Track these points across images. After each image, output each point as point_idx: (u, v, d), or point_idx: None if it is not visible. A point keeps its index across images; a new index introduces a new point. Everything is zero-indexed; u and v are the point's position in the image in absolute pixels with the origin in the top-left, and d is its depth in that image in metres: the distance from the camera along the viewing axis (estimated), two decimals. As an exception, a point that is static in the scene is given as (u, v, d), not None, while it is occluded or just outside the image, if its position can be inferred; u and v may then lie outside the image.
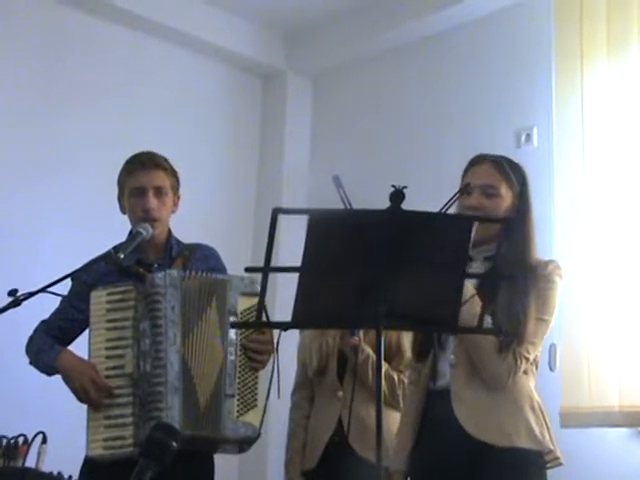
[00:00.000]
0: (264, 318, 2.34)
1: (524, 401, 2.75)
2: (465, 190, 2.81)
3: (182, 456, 2.25)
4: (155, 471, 1.99)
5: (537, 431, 2.72)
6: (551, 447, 2.74)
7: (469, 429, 2.70)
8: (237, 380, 2.97)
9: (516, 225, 2.82)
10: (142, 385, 2.94)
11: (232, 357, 2.98)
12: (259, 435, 2.98)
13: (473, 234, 2.68)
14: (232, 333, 3.00)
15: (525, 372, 2.78)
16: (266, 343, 3.05)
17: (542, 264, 2.83)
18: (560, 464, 2.77)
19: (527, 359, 2.74)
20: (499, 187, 2.86)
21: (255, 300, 3.01)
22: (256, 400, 2.99)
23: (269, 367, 3.04)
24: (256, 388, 3.00)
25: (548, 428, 2.77)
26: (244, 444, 3.01)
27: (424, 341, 2.88)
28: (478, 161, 2.93)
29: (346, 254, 2.27)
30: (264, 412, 2.97)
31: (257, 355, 3.03)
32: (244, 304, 3.04)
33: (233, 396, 2.95)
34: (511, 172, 2.89)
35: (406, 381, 3.45)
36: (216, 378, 2.96)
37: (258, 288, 3.01)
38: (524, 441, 2.69)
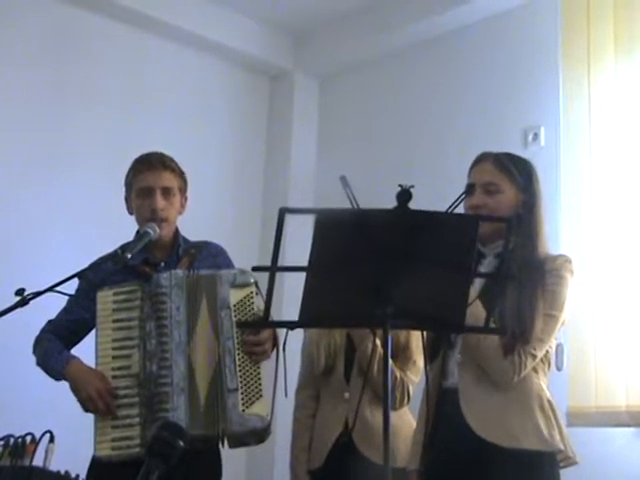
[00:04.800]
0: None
1: (533, 401, 2.72)
2: (468, 190, 2.81)
3: (189, 456, 2.26)
4: (162, 470, 2.00)
5: (545, 432, 2.69)
6: (561, 447, 2.70)
7: (476, 428, 2.68)
8: (239, 373, 2.93)
9: (523, 220, 2.80)
10: (148, 386, 2.94)
11: (230, 351, 2.95)
12: (269, 424, 2.93)
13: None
14: (227, 327, 2.97)
15: (535, 370, 2.75)
16: (265, 336, 3.02)
17: (550, 259, 2.80)
18: (574, 463, 2.74)
19: (534, 356, 2.70)
20: (500, 183, 2.84)
21: (248, 290, 3.01)
22: (261, 391, 2.94)
23: (272, 363, 3.01)
24: (259, 379, 2.96)
25: (559, 428, 2.72)
26: (259, 434, 2.94)
27: (435, 341, 2.86)
28: (480, 159, 2.92)
29: (353, 254, 2.27)
30: (273, 399, 2.91)
31: (256, 347, 2.98)
32: (236, 296, 3.00)
33: (236, 390, 2.91)
34: (513, 167, 2.86)
35: (406, 380, 3.44)
36: (213, 374, 2.94)
37: (250, 278, 3.01)
38: (532, 442, 2.66)
